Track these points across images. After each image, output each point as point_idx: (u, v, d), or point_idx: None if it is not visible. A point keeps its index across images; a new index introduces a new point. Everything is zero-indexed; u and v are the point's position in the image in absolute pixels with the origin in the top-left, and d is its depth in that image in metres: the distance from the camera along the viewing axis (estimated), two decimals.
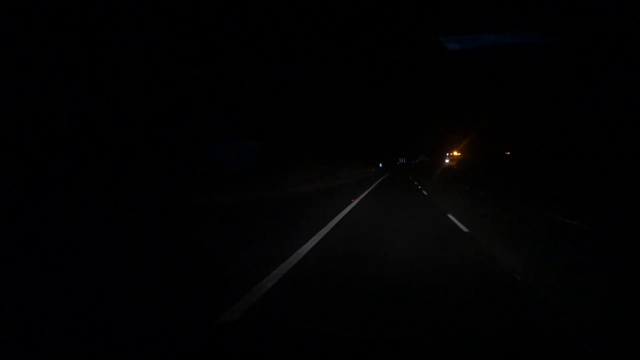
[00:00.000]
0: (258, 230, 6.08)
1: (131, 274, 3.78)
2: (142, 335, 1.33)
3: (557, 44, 12.06)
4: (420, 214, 8.31)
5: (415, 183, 21.59)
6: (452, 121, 74.19)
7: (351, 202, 10.35)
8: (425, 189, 16.65)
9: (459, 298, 2.96)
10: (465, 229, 6.22)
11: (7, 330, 1.44)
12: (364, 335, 1.89)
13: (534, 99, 18.41)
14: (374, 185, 19.99)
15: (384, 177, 32.78)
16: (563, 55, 13.66)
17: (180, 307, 2.82)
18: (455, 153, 69.46)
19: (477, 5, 12.65)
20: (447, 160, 73.73)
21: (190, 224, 6.61)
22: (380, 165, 62.84)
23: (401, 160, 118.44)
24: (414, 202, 11.34)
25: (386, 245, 4.88)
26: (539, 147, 19.71)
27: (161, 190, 7.77)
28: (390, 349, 1.24)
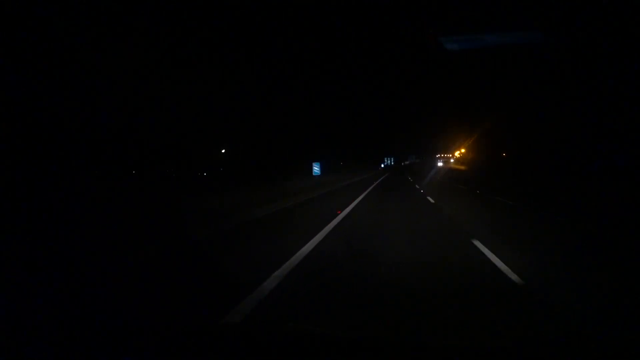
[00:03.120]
0: None
1: (137, 273, 4.06)
2: (146, 336, 1.36)
3: (557, 44, 12.29)
4: None
5: None
6: (447, 122, 73.74)
7: None
8: None
9: None
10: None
11: (7, 330, 1.46)
12: (363, 335, 1.95)
13: (532, 99, 18.73)
14: None
15: None
16: (563, 55, 13.92)
17: (186, 307, 3.00)
18: (456, 154, 67.82)
19: (477, 6, 12.80)
20: (440, 163, 71.29)
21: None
22: (317, 170, 27.91)
23: (387, 161, 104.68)
24: None
25: None
26: (537, 147, 20.00)
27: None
28: (390, 349, 1.28)
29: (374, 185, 22.97)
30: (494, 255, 4.48)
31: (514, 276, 3.68)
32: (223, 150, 35.25)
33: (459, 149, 62.15)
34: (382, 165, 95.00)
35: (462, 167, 46.54)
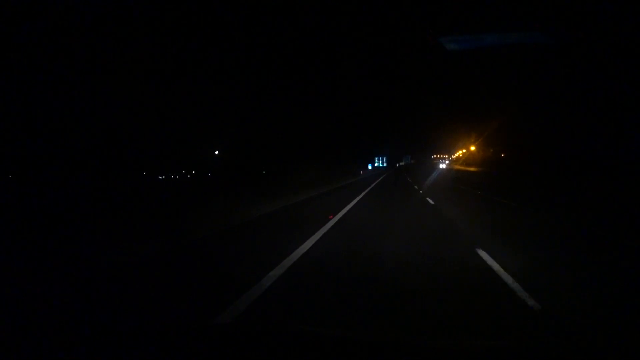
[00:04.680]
0: None
1: (134, 271, 4.11)
2: (138, 335, 1.36)
3: (557, 44, 12.35)
4: None
5: None
6: (445, 122, 72.35)
7: None
8: None
9: None
10: None
11: (6, 331, 1.47)
12: (360, 334, 1.92)
13: (532, 99, 18.84)
14: None
15: None
16: (563, 55, 14.01)
17: (180, 306, 3.01)
18: (456, 154, 63.18)
19: (477, 5, 12.84)
20: (442, 165, 64.17)
21: None
22: None
23: (378, 162, 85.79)
24: None
25: None
26: (537, 148, 20.09)
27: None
28: (388, 349, 1.27)
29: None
30: None
31: None
32: (217, 152, 35.07)
33: (461, 148, 56.12)
34: (370, 167, 69.32)
35: (472, 169, 37.04)
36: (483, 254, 4.62)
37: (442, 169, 55.88)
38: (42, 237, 5.61)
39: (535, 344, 2.05)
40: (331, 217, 8.31)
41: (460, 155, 57.59)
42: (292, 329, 1.80)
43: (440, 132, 77.11)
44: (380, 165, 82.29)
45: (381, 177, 38.72)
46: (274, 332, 1.53)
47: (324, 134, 41.27)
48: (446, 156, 77.31)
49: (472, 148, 43.24)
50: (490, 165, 31.50)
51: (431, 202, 12.17)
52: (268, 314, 3.00)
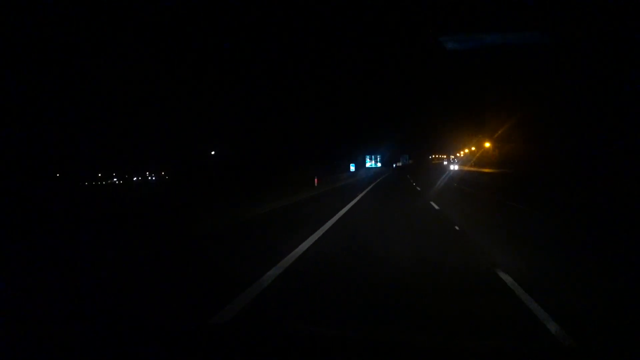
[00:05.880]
0: None
1: (133, 270, 4.15)
2: (136, 335, 1.35)
3: (557, 44, 12.42)
4: None
5: None
6: (445, 121, 71.00)
7: None
8: None
9: None
10: None
11: (6, 331, 1.46)
12: (358, 334, 1.92)
13: (532, 99, 18.89)
14: None
15: None
16: (562, 54, 14.09)
17: (178, 306, 3.02)
18: (459, 154, 59.67)
19: (477, 5, 12.88)
20: (454, 166, 53.07)
21: None
22: None
23: (370, 161, 69.54)
24: None
25: None
26: (537, 149, 20.17)
27: None
28: (386, 349, 1.27)
29: None
30: None
31: None
32: (213, 152, 35.21)
33: (466, 147, 52.96)
34: (353, 169, 50.92)
35: (486, 170, 30.89)
36: None
37: (454, 171, 43.63)
38: (40, 238, 5.59)
39: (535, 345, 2.09)
40: None
41: (462, 155, 55.20)
42: (289, 328, 1.80)
43: (440, 132, 76.59)
44: (374, 165, 67.56)
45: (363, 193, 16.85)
46: (271, 332, 1.52)
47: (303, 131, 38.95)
48: (445, 156, 76.57)
49: (487, 144, 36.10)
50: (514, 165, 24.61)
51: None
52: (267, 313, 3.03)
